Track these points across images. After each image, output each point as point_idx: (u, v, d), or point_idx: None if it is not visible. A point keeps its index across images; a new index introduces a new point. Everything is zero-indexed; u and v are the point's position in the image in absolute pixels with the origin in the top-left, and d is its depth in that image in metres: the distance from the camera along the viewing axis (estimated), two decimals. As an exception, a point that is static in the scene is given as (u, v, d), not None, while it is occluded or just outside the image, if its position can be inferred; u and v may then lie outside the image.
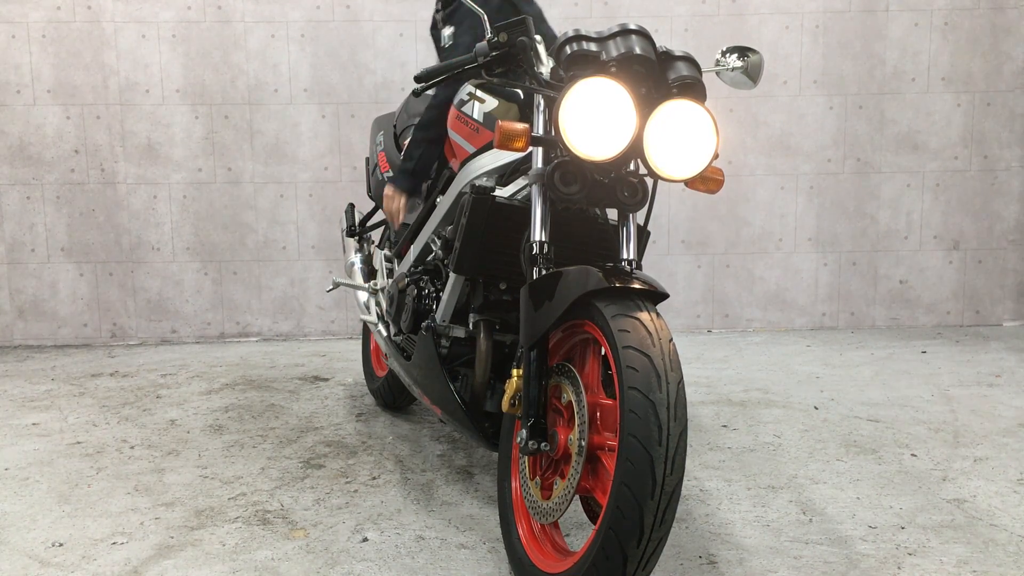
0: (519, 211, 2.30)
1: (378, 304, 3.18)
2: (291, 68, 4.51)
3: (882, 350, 4.30)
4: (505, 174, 2.39)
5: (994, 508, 2.53)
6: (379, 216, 3.60)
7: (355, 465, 2.91)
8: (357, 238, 3.55)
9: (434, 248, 2.69)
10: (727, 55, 2.50)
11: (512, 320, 2.43)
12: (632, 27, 2.11)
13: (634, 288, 1.92)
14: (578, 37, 2.13)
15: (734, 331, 4.73)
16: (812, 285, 4.72)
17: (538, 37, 2.28)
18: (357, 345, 4.33)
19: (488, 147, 2.40)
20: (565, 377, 2.05)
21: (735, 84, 2.52)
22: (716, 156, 2.08)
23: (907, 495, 2.63)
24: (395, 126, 3.35)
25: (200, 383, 3.88)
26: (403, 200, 2.95)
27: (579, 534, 2.38)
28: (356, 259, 3.45)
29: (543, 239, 2.12)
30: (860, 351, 4.29)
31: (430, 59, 4.42)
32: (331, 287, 3.25)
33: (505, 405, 2.14)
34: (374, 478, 2.80)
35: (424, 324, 2.57)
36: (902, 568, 2.20)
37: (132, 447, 3.10)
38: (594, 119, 1.99)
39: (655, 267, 4.62)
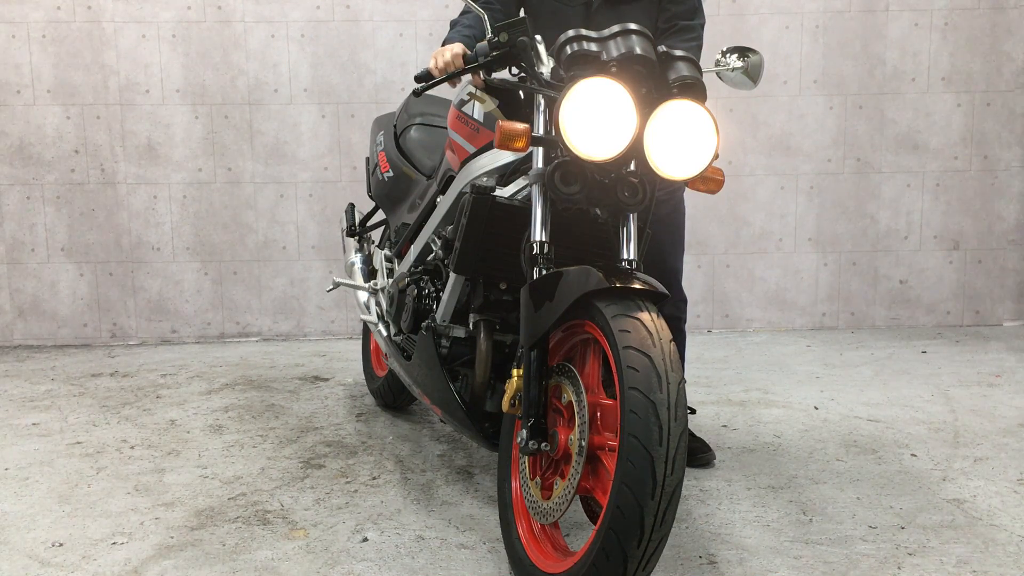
0: (519, 211, 2.30)
1: (378, 304, 3.18)
2: (291, 68, 4.51)
3: (882, 350, 4.30)
4: (505, 174, 2.39)
5: (994, 508, 2.53)
6: (379, 216, 3.60)
7: (355, 465, 2.91)
8: (357, 238, 3.55)
9: (434, 248, 2.69)
10: (727, 55, 2.50)
11: (512, 320, 2.42)
12: (632, 27, 2.11)
13: (634, 288, 1.92)
14: (579, 37, 2.12)
15: (734, 331, 4.73)
16: (812, 285, 4.72)
17: (538, 37, 2.28)
18: (357, 345, 4.32)
19: (488, 147, 2.40)
20: (565, 377, 2.05)
21: (735, 84, 2.52)
22: (716, 156, 2.08)
23: (907, 495, 2.63)
24: (395, 126, 3.35)
25: (200, 383, 3.88)
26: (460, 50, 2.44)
27: (579, 534, 2.38)
28: (356, 259, 3.45)
29: (543, 239, 2.12)
30: (860, 351, 4.29)
31: (429, 59, 4.41)
32: (331, 287, 3.25)
33: (505, 405, 2.14)
34: (374, 478, 2.80)
35: (424, 324, 2.56)
36: (902, 568, 2.20)
37: (132, 447, 3.10)
38: (594, 119, 1.99)
39: (655, 267, 4.60)
